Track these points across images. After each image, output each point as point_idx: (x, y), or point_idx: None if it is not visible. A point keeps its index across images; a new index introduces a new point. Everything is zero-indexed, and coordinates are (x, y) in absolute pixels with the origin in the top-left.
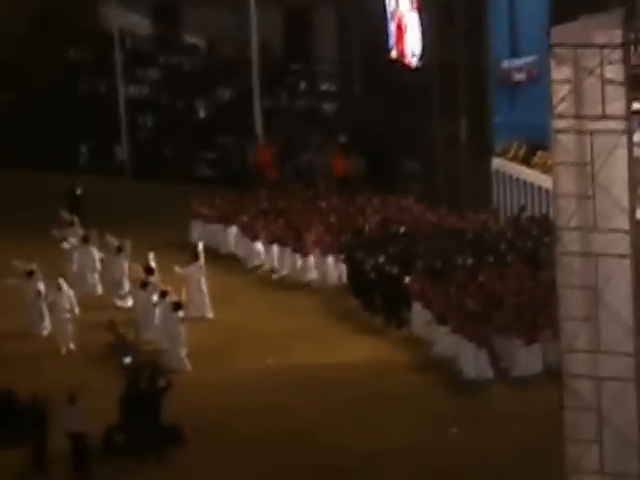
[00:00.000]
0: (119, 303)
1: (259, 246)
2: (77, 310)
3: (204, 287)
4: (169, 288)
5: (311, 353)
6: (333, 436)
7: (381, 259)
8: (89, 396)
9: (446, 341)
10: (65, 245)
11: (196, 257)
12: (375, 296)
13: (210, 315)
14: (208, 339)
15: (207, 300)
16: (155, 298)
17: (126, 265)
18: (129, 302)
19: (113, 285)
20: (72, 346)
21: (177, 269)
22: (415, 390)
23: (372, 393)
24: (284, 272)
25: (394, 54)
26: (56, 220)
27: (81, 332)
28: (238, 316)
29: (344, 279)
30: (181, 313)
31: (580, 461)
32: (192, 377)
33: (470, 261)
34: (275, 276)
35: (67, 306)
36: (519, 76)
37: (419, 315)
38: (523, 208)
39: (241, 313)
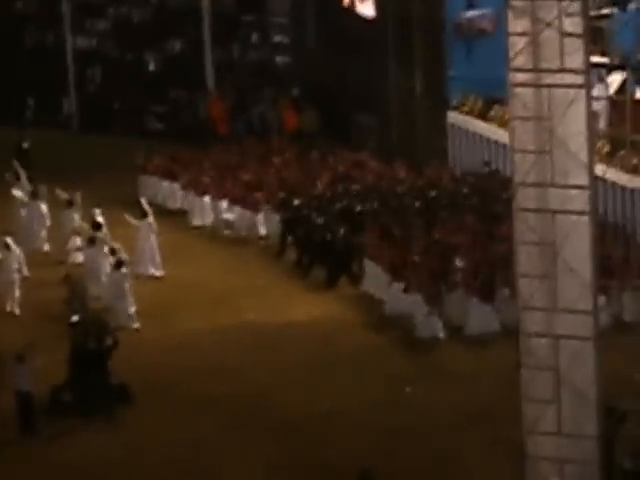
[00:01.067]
0: (70, 258)
1: (208, 202)
2: (26, 270)
3: (155, 244)
4: (118, 245)
5: (263, 311)
6: (287, 396)
7: (330, 217)
8: (39, 355)
9: (399, 299)
10: (16, 193)
11: (145, 213)
12: (323, 254)
13: (160, 272)
14: (158, 297)
15: (158, 257)
16: (104, 253)
17: (77, 218)
18: (79, 257)
19: (64, 240)
20: (17, 310)
21: (129, 218)
22: (369, 349)
23: (326, 352)
24: (235, 228)
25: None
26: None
27: (30, 290)
28: (188, 273)
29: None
30: (124, 269)
31: (537, 421)
32: (141, 336)
33: (425, 218)
34: (227, 232)
35: (15, 266)
36: (475, 29)
37: (372, 273)
38: (487, 163)
39: (191, 270)
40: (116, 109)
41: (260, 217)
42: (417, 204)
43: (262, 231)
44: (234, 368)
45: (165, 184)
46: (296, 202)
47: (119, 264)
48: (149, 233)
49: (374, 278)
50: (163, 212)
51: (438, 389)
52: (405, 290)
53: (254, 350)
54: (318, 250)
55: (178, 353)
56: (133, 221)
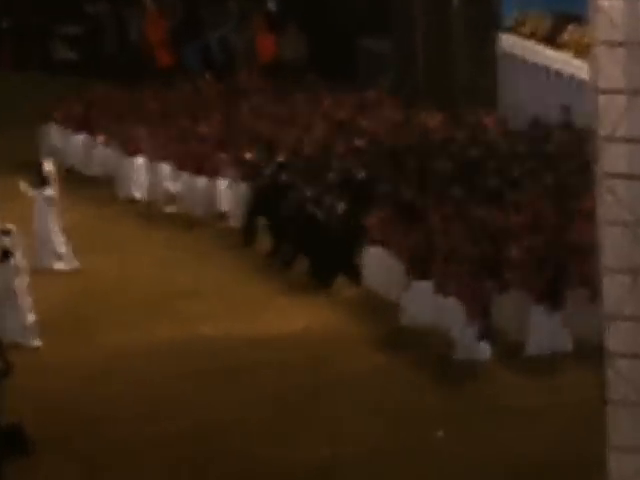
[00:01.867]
0: None
1: (142, 165)
2: None
3: (55, 225)
4: (11, 225)
5: (223, 322)
6: (257, 444)
7: (323, 187)
8: None
9: (424, 303)
10: None
11: (44, 181)
12: (313, 240)
13: (71, 266)
14: (68, 301)
15: (63, 244)
16: None
17: None
18: None
19: None
20: None
21: (24, 186)
22: (379, 376)
23: (316, 381)
24: (181, 203)
25: None
26: None
27: None
28: (113, 268)
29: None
30: (14, 261)
31: (632, 478)
32: (44, 357)
33: (464, 187)
34: (170, 208)
35: None
36: None
37: (382, 266)
38: (566, 109)
39: (117, 263)
40: (5, 28)
41: (221, 187)
42: (452, 168)
43: (223, 207)
44: (179, 404)
45: (80, 139)
46: (273, 165)
47: (5, 254)
48: (48, 209)
49: (385, 274)
50: (78, 179)
51: (484, 434)
52: (435, 291)
53: (209, 378)
54: (305, 234)
55: (96, 382)
56: (30, 191)
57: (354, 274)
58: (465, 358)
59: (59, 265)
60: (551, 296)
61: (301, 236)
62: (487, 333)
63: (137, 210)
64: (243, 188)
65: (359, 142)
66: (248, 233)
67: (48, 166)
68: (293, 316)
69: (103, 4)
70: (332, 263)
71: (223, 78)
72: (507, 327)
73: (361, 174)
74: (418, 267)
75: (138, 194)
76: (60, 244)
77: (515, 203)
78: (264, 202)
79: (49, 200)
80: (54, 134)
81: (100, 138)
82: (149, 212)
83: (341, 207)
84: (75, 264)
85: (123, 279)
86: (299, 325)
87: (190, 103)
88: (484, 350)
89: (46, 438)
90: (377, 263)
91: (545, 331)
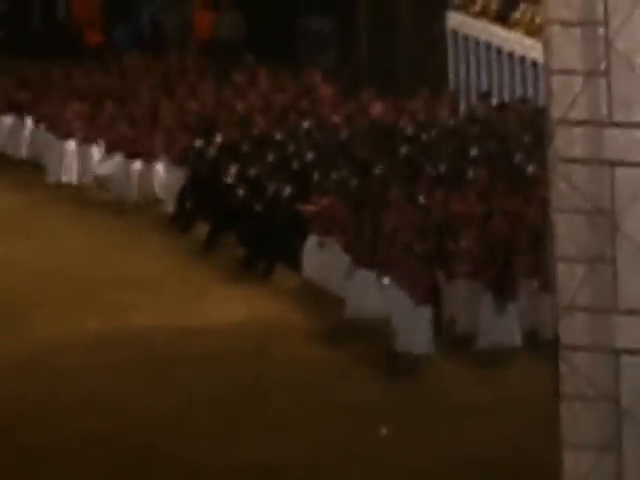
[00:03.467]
0: None
1: (72, 148)
2: None
3: None
4: None
5: (157, 313)
6: (193, 443)
7: (265, 170)
8: None
9: (367, 294)
10: None
11: None
12: (253, 227)
13: None
14: None
15: None
16: None
17: None
18: None
19: None
20: None
21: None
22: (320, 370)
23: (254, 375)
24: (115, 188)
25: None
26: None
27: None
28: (39, 255)
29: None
30: None
31: (586, 478)
32: None
33: (410, 171)
34: (101, 193)
35: None
36: None
37: (324, 255)
38: (487, 94)
39: (44, 251)
40: None
41: (156, 171)
42: (398, 151)
43: (158, 192)
44: (109, 401)
45: (6, 120)
46: (212, 148)
47: None
48: None
49: (327, 262)
50: (2, 162)
51: (431, 431)
52: (379, 278)
53: (142, 372)
54: (244, 220)
55: (22, 376)
56: None
57: (294, 263)
58: (410, 350)
59: None
60: (502, 286)
61: (240, 222)
62: (435, 324)
63: (66, 195)
64: (179, 172)
65: (301, 124)
66: (183, 219)
67: None
68: (231, 306)
69: None
70: (272, 251)
71: (155, 57)
72: (455, 319)
73: (306, 156)
74: (362, 255)
75: (67, 178)
76: None
77: (466, 188)
78: (202, 186)
79: None
80: None
81: (28, 121)
82: (79, 198)
83: (286, 192)
84: None
85: (49, 268)
86: (237, 316)
87: (122, 83)
88: (430, 342)
89: None
90: (319, 251)
91: (495, 323)
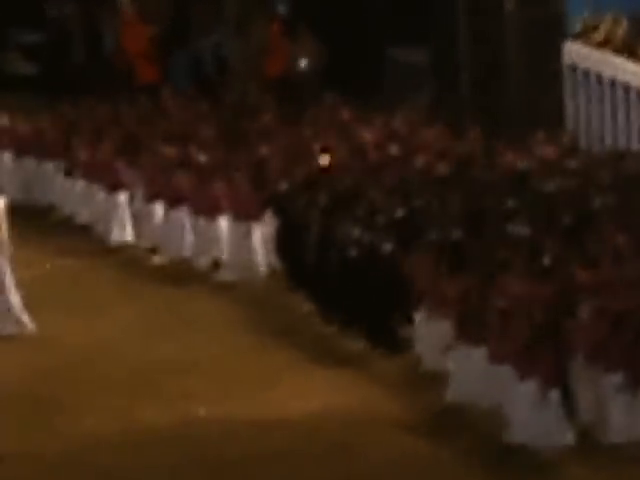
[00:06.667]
0: None
1: (122, 200)
2: None
3: (8, 276)
4: None
5: (221, 404)
6: None
7: (357, 226)
8: None
9: (476, 376)
10: None
11: None
12: (344, 294)
13: (26, 328)
14: (25, 374)
15: (18, 302)
16: None
17: None
18: None
19: None
20: None
21: None
22: (420, 469)
23: (340, 478)
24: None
25: None
26: None
27: None
28: (78, 332)
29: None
30: None
31: None
32: None
33: (526, 230)
34: (157, 259)
35: None
36: None
37: (428, 329)
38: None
39: (89, 326)
40: None
41: (219, 227)
42: (511, 204)
43: (223, 255)
44: None
45: (40, 167)
46: (300, 201)
47: None
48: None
49: (432, 337)
50: (34, 215)
51: None
52: (491, 359)
53: (203, 474)
54: (344, 283)
55: (56, 476)
56: None
57: (395, 339)
58: (526, 443)
59: (9, 328)
60: (632, 370)
61: (341, 284)
62: (567, 412)
63: (116, 259)
64: (244, 228)
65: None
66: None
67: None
68: (309, 393)
69: (70, 5)
70: (373, 323)
71: (219, 97)
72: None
73: (404, 211)
74: (468, 328)
75: (118, 238)
76: (10, 299)
77: (591, 250)
78: (288, 245)
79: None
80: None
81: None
82: (127, 262)
83: (386, 248)
84: (30, 326)
85: (96, 348)
86: (316, 405)
87: (181, 127)
88: (561, 433)
89: None
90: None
91: (628, 414)
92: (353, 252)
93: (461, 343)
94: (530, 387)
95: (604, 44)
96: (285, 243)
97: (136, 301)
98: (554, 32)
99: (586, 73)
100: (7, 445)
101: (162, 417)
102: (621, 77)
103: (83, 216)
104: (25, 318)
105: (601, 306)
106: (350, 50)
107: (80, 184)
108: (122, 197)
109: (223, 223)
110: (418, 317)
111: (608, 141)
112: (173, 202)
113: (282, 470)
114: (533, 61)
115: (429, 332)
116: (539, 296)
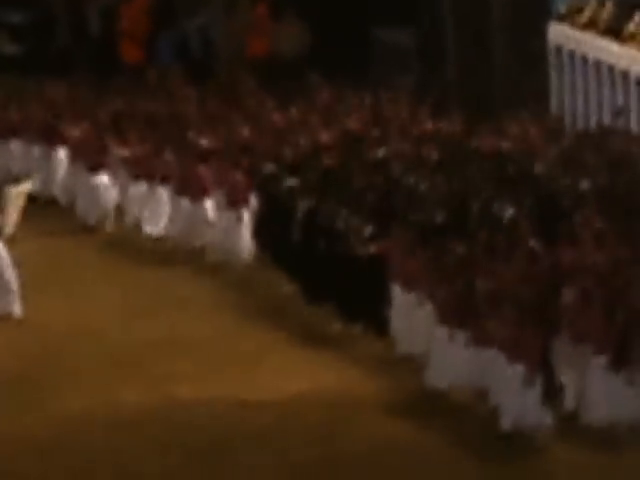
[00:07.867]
0: None
1: (106, 181)
2: None
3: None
4: None
5: (204, 384)
6: None
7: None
8: None
9: (459, 360)
10: None
11: None
12: (328, 276)
13: (16, 312)
14: (11, 356)
15: (13, 284)
16: None
17: None
18: None
19: None
20: None
21: None
22: (402, 452)
23: (324, 459)
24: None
25: None
26: None
27: None
28: (68, 313)
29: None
30: None
31: None
32: None
33: (510, 212)
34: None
35: None
36: None
37: (404, 310)
38: (620, 110)
39: (73, 308)
40: None
41: (206, 208)
42: (493, 185)
43: (209, 235)
44: None
45: (32, 152)
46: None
47: None
48: None
49: (410, 319)
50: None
51: None
52: (474, 342)
53: (188, 455)
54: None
55: (46, 458)
56: None
57: (378, 321)
58: (511, 427)
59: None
60: (618, 351)
61: (324, 267)
62: (551, 395)
63: (101, 242)
64: (232, 212)
65: (380, 151)
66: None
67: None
68: (292, 374)
69: None
70: (358, 304)
71: (204, 77)
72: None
73: (387, 193)
74: (446, 313)
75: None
76: (8, 283)
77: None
78: (271, 227)
79: None
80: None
81: (59, 152)
82: (112, 242)
83: (368, 230)
84: (17, 309)
85: (82, 330)
86: (300, 386)
87: (168, 106)
88: (544, 416)
89: None
90: (401, 305)
91: (609, 394)
92: (337, 235)
93: (443, 326)
94: (517, 370)
95: (589, 26)
96: (269, 225)
97: (121, 282)
98: (539, 14)
99: (571, 54)
100: None
101: (148, 398)
102: (606, 58)
103: (66, 196)
104: (14, 298)
105: (586, 288)
106: (335, 31)
107: (63, 165)
108: (105, 177)
109: (210, 205)
110: (395, 299)
111: (593, 122)
112: (159, 182)
113: (265, 450)
114: (518, 43)
115: (407, 314)
116: (526, 279)
